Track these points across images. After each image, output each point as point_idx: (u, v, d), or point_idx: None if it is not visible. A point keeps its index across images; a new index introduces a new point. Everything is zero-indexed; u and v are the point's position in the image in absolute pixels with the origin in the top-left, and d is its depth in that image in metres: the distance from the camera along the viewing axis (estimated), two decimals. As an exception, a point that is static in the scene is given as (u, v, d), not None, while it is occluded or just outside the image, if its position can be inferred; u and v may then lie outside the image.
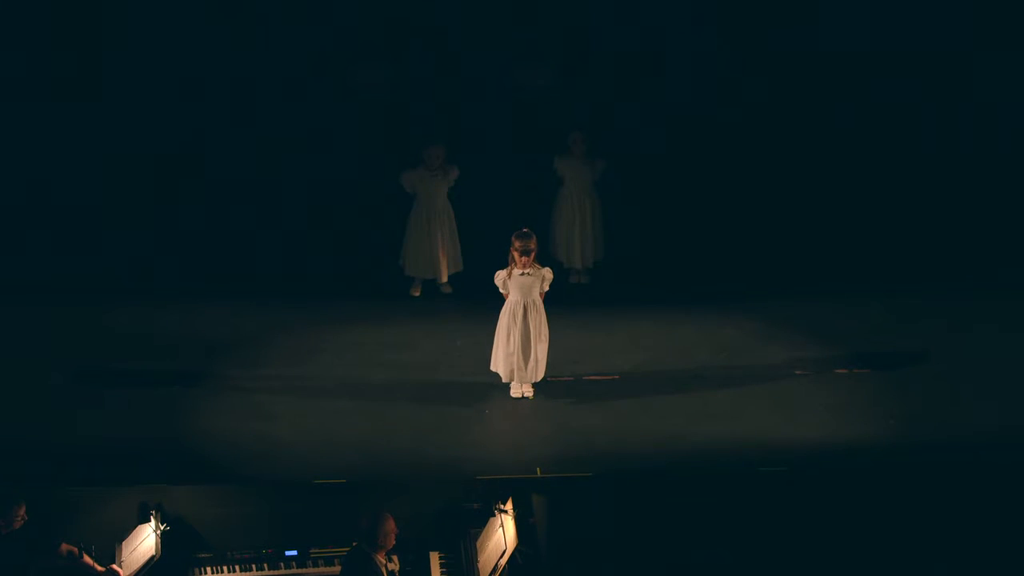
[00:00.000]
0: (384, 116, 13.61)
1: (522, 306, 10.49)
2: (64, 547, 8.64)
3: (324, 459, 9.73)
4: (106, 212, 13.19)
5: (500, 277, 10.54)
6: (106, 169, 13.30)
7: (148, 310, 12.05)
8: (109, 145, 13.29)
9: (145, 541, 9.04)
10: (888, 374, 11.05)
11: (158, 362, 11.05)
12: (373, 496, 9.17)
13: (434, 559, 9.27)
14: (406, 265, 12.53)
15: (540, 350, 10.53)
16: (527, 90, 13.66)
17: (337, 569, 9.03)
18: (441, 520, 9.34)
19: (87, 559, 8.72)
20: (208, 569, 9.18)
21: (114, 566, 8.85)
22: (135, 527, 9.09)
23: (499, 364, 10.59)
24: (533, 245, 10.43)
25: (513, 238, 10.43)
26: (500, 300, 10.62)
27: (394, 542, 8.58)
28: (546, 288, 10.56)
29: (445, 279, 12.49)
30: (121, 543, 9.01)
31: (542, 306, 10.55)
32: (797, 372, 11.08)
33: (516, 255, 10.43)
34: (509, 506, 9.25)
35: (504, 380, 10.60)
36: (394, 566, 8.66)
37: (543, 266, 10.59)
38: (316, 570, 9.28)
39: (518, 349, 10.48)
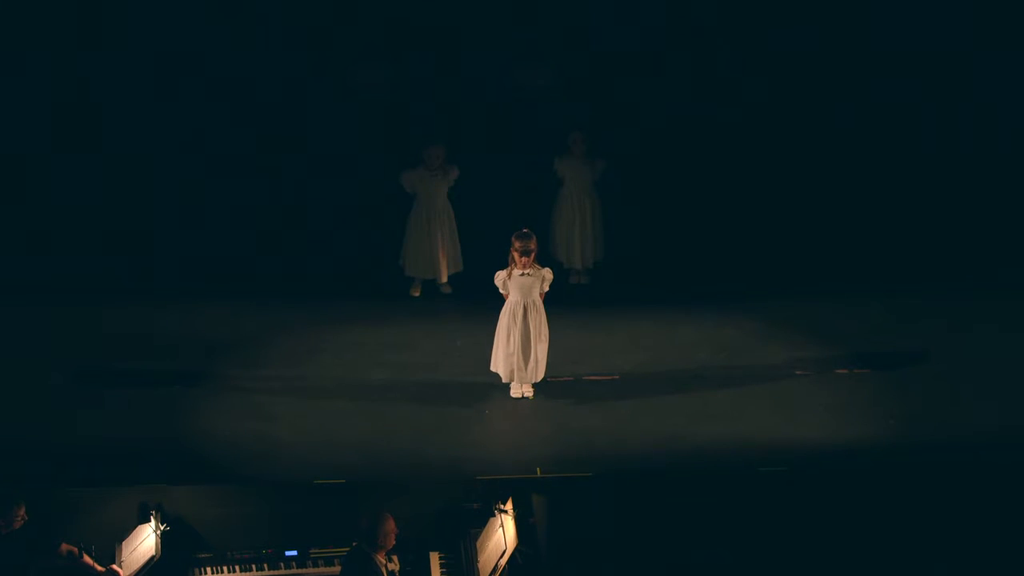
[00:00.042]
0: (384, 116, 13.60)
1: (522, 306, 10.49)
2: (64, 547, 8.64)
3: (324, 459, 9.74)
4: (106, 212, 13.18)
5: (500, 277, 10.54)
6: (106, 169, 13.28)
7: (148, 310, 12.05)
8: (109, 145, 13.28)
9: (145, 541, 9.04)
10: (888, 374, 11.05)
11: (158, 362, 11.05)
12: (373, 496, 9.17)
13: (434, 559, 9.27)
14: (406, 265, 12.53)
15: (540, 350, 10.53)
16: (527, 90, 13.66)
17: (337, 569, 9.03)
18: (441, 520, 9.34)
19: (87, 559, 8.72)
20: (208, 569, 9.18)
21: (114, 566, 8.85)
22: (135, 527, 9.09)
23: (499, 364, 10.59)
24: (533, 245, 10.43)
25: (513, 238, 10.43)
26: (500, 300, 10.62)
27: (394, 542, 8.58)
28: (546, 288, 10.56)
29: (445, 279, 12.49)
30: (121, 543, 9.01)
31: (542, 306, 10.55)
32: (797, 372, 11.08)
33: (516, 255, 10.43)
34: (509, 506, 9.25)
35: (504, 380, 10.60)
36: (394, 566, 8.66)
37: (543, 266, 10.59)
38: (316, 570, 9.28)
39: (518, 349, 10.48)
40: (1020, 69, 13.53)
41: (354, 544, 8.64)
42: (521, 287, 10.48)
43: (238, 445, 9.91)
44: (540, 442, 10.12)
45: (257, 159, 13.40)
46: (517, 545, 9.17)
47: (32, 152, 13.21)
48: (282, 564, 9.30)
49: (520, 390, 10.61)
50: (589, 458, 9.81)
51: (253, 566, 9.25)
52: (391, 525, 8.53)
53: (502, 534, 9.15)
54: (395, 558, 8.72)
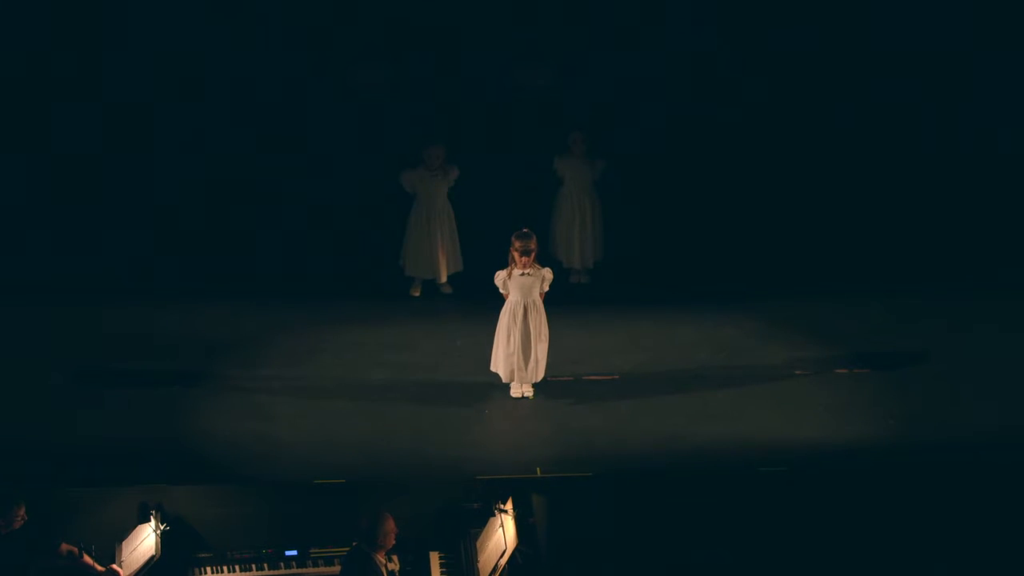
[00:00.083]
0: (384, 116, 13.60)
1: (522, 306, 10.49)
2: (64, 547, 8.64)
3: (324, 459, 9.73)
4: (106, 212, 13.18)
5: (500, 277, 10.54)
6: (106, 169, 13.28)
7: (148, 310, 12.05)
8: (109, 145, 13.28)
9: (145, 541, 9.04)
10: (888, 374, 11.05)
11: (158, 362, 11.05)
12: (373, 496, 9.17)
13: (434, 559, 9.27)
14: (406, 265, 12.53)
15: (540, 350, 10.53)
16: (527, 90, 13.66)
17: (337, 569, 9.03)
18: (441, 520, 9.34)
19: (87, 559, 8.72)
20: (208, 569, 9.18)
21: (114, 566, 8.85)
22: (135, 527, 9.09)
23: (499, 364, 10.58)
24: (533, 245, 10.43)
25: (513, 238, 10.43)
26: (500, 300, 10.62)
27: (394, 542, 8.58)
28: (546, 288, 10.56)
29: (444, 279, 12.49)
30: (121, 543, 9.01)
31: (542, 306, 10.55)
32: (797, 372, 11.08)
33: (516, 255, 10.42)
34: (509, 506, 9.25)
35: (504, 380, 10.60)
36: (394, 566, 8.65)
37: (543, 266, 10.59)
38: (316, 570, 9.28)
39: (518, 349, 10.48)
40: (1020, 69, 13.54)
41: (354, 544, 8.64)
42: (521, 287, 10.48)
43: (238, 445, 9.91)
44: (540, 442, 10.11)
45: (257, 159, 13.39)
46: (517, 545, 9.17)
47: (33, 152, 13.20)
48: (282, 564, 9.30)
49: (520, 390, 10.61)
50: (589, 458, 9.81)
51: (253, 566, 9.24)
52: (391, 525, 8.53)
53: (502, 534, 9.14)
54: (395, 558, 8.72)
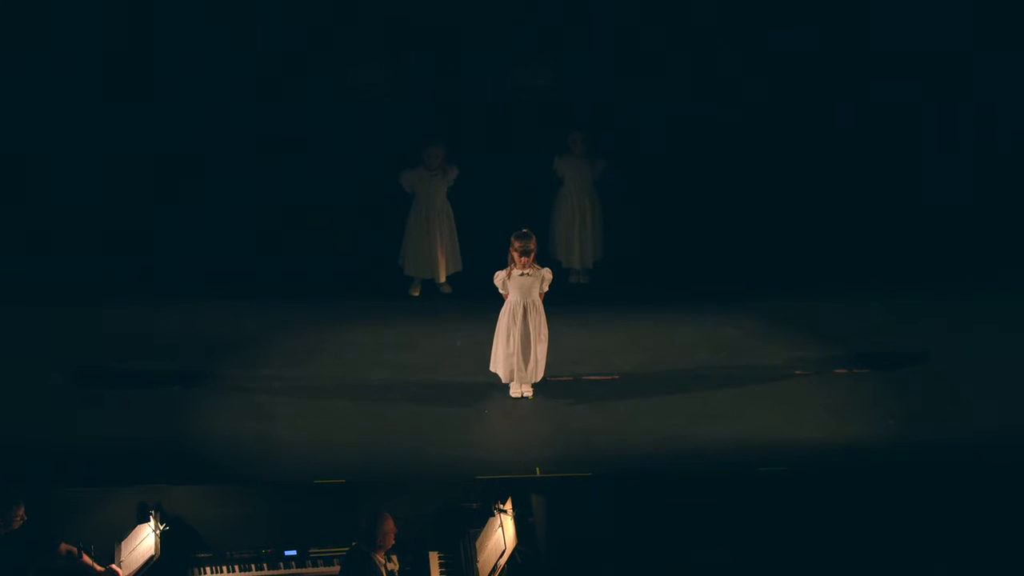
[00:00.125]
0: (384, 116, 13.60)
1: (522, 306, 10.49)
2: (63, 547, 8.63)
3: (324, 459, 9.73)
4: (106, 212, 13.18)
5: (499, 277, 10.53)
6: (106, 169, 13.29)
7: (148, 310, 12.05)
8: (109, 145, 13.28)
9: (144, 541, 9.04)
10: (888, 374, 11.05)
11: (158, 362, 11.05)
12: (373, 496, 9.17)
13: (433, 559, 9.26)
14: (405, 265, 12.53)
15: (540, 350, 10.52)
16: (527, 90, 13.66)
17: (336, 569, 9.03)
18: (440, 520, 9.34)
19: (86, 559, 8.71)
20: (207, 569, 9.18)
21: (113, 566, 8.85)
22: (134, 527, 9.09)
23: (498, 365, 10.58)
24: (533, 245, 10.43)
25: (512, 238, 10.42)
26: (500, 300, 10.62)
27: (393, 542, 8.58)
28: (546, 288, 10.56)
29: (443, 279, 12.49)
30: (120, 543, 9.01)
31: (542, 306, 10.55)
32: (797, 372, 11.08)
33: (515, 255, 10.42)
34: (508, 506, 9.25)
35: (504, 380, 10.60)
36: (393, 566, 8.65)
37: (543, 266, 10.59)
38: (315, 570, 9.28)
39: (518, 350, 10.48)
40: (1020, 69, 13.53)
41: (353, 544, 8.64)
42: (521, 287, 10.48)
43: (238, 445, 9.91)
44: (540, 442, 10.11)
45: (257, 159, 13.39)
46: (516, 545, 9.17)
47: (32, 152, 13.20)
48: (281, 564, 9.30)
49: (520, 390, 10.61)
50: (589, 458, 9.81)
51: (252, 566, 9.24)
52: (390, 525, 8.53)
53: (501, 534, 9.14)
54: (394, 558, 8.72)
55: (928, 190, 13.62)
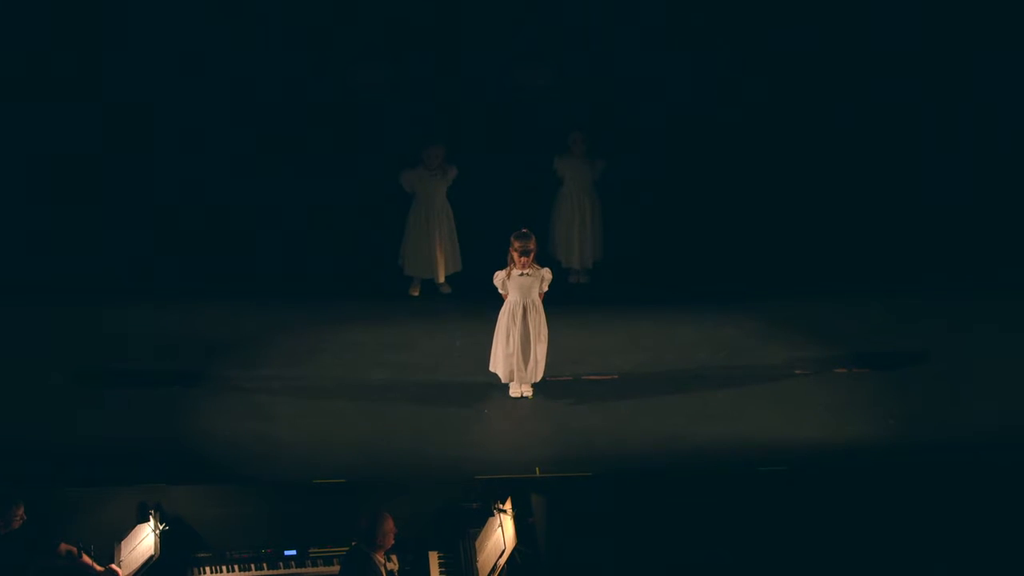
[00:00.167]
0: (384, 116, 13.60)
1: (521, 306, 10.49)
2: (63, 547, 8.64)
3: (324, 459, 9.74)
4: (106, 212, 13.18)
5: (499, 277, 10.53)
6: (106, 169, 13.29)
7: (148, 310, 12.05)
8: (109, 145, 13.28)
9: (144, 541, 9.04)
10: (888, 374, 11.05)
11: (158, 362, 11.05)
12: (372, 496, 9.17)
13: (433, 559, 9.26)
14: (405, 265, 12.53)
15: (539, 350, 10.52)
16: (527, 90, 13.66)
17: (336, 569, 9.03)
18: (440, 520, 9.34)
19: (86, 559, 8.72)
20: (207, 569, 9.18)
21: (113, 566, 8.85)
22: (134, 527, 9.09)
23: (498, 365, 10.58)
24: (532, 245, 10.42)
25: (512, 238, 10.42)
26: (499, 300, 10.61)
27: (393, 542, 8.58)
28: (545, 288, 10.56)
29: (443, 279, 12.49)
30: (120, 543, 9.01)
31: (541, 306, 10.54)
32: (797, 372, 11.08)
33: (515, 255, 10.42)
34: (508, 506, 9.25)
35: (503, 380, 10.60)
36: (393, 566, 8.65)
37: (542, 266, 10.58)
38: (315, 570, 9.28)
39: (517, 350, 10.48)
40: (1020, 69, 13.53)
41: (353, 544, 8.64)
42: (520, 287, 10.48)
43: (238, 445, 9.91)
44: (539, 442, 10.11)
45: (257, 159, 13.39)
46: (516, 545, 9.17)
47: (33, 152, 13.21)
48: (281, 564, 9.29)
49: (519, 390, 10.60)
50: (589, 458, 9.81)
51: (252, 566, 9.24)
52: (390, 524, 8.53)
53: (501, 534, 9.14)
54: (394, 557, 8.71)
55: (928, 190, 13.62)
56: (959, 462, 9.72)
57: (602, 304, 12.41)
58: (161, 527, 9.04)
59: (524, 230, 10.48)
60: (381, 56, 13.54)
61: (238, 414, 10.32)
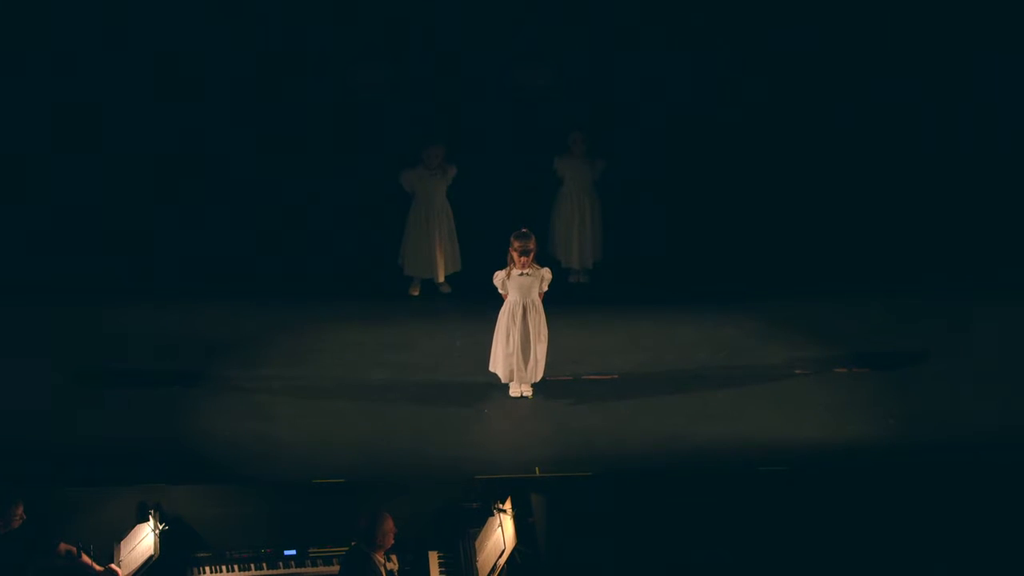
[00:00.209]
0: (384, 116, 13.60)
1: (521, 306, 10.48)
2: (63, 546, 8.63)
3: (324, 459, 9.73)
4: (106, 212, 13.18)
5: (499, 277, 10.53)
6: (106, 169, 13.29)
7: (148, 310, 12.05)
8: (109, 145, 13.28)
9: (144, 541, 9.03)
10: (888, 374, 11.05)
11: (158, 362, 11.05)
12: (372, 496, 9.17)
13: (433, 558, 9.26)
14: (405, 264, 12.53)
15: (539, 350, 10.52)
16: (527, 90, 13.67)
17: (336, 569, 9.03)
18: (440, 519, 9.33)
19: (85, 558, 8.71)
20: (207, 568, 9.17)
21: (112, 565, 8.84)
22: (134, 527, 9.08)
23: (498, 365, 10.58)
24: (532, 245, 10.42)
25: (512, 238, 10.42)
26: (499, 300, 10.61)
27: (393, 541, 8.57)
28: (545, 288, 10.56)
29: (442, 279, 12.49)
30: (119, 543, 9.00)
31: (541, 306, 10.54)
32: (797, 372, 11.08)
33: (515, 255, 10.42)
34: (508, 505, 9.24)
35: (503, 380, 10.60)
36: (393, 565, 8.64)
37: (542, 266, 10.58)
38: (315, 569, 9.27)
39: (517, 349, 10.48)
40: (1020, 69, 13.53)
41: (353, 543, 8.63)
42: (520, 287, 10.48)
43: (238, 445, 9.90)
44: (539, 442, 10.11)
45: (257, 159, 13.40)
46: (516, 545, 9.16)
47: (32, 152, 13.20)
48: (281, 564, 9.29)
49: (519, 390, 10.60)
50: (589, 458, 9.80)
51: (252, 565, 9.23)
52: (390, 524, 8.52)
53: (501, 534, 9.14)
54: (394, 557, 8.71)
55: (928, 190, 13.61)
56: (959, 462, 9.71)
57: (602, 304, 12.41)
58: (161, 527, 9.03)
59: (524, 230, 10.48)
60: (381, 56, 13.54)
61: (238, 414, 10.32)
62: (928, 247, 13.28)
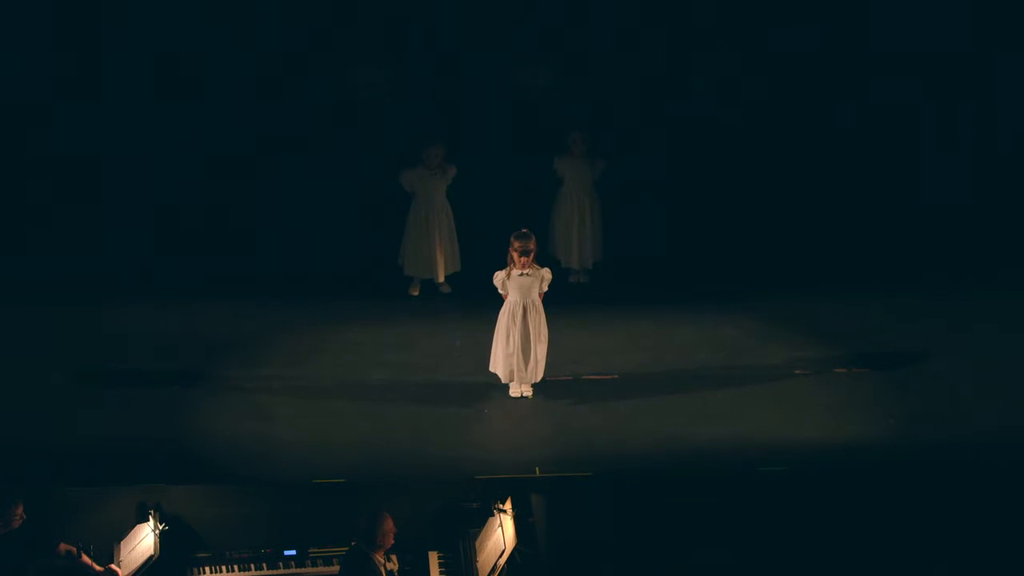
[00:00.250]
0: (384, 116, 13.60)
1: (521, 306, 10.48)
2: (63, 546, 8.63)
3: (324, 459, 9.73)
4: (106, 212, 13.18)
5: (499, 277, 10.53)
6: (106, 169, 13.29)
7: (148, 310, 12.05)
8: (109, 145, 13.28)
9: (143, 541, 9.03)
10: (888, 374, 11.05)
11: (158, 362, 11.05)
12: (372, 496, 9.17)
13: (433, 559, 9.26)
14: (405, 264, 12.53)
15: (540, 351, 10.52)
16: (527, 90, 13.67)
17: (336, 569, 9.03)
18: (440, 519, 9.33)
19: (85, 558, 8.71)
20: (207, 568, 9.17)
21: (112, 566, 8.84)
22: (134, 527, 9.08)
23: (498, 365, 10.58)
24: (532, 245, 10.42)
25: (512, 238, 10.42)
26: (499, 300, 10.61)
27: (392, 541, 8.57)
28: (545, 288, 10.56)
29: (442, 279, 12.49)
30: (119, 543, 9.01)
31: (541, 306, 10.54)
32: (797, 372, 11.08)
33: (515, 255, 10.42)
34: (508, 506, 9.24)
35: (503, 380, 10.59)
36: (393, 566, 8.65)
37: (542, 266, 10.58)
38: (315, 570, 9.27)
39: (518, 350, 10.47)
40: (1020, 69, 13.53)
41: (353, 543, 8.64)
42: (520, 287, 10.48)
43: (238, 445, 9.90)
44: (539, 442, 10.11)
45: (257, 159, 13.39)
46: (516, 545, 9.16)
47: (31, 151, 13.21)
48: (281, 564, 9.29)
49: (519, 390, 10.60)
50: (589, 458, 9.80)
51: (252, 565, 9.23)
52: (390, 524, 8.53)
53: (501, 534, 9.14)
54: (394, 557, 8.71)
55: (928, 190, 13.62)
56: (959, 462, 9.71)
57: (602, 304, 12.41)
58: (161, 527, 9.03)
59: (524, 230, 10.48)
60: (381, 56, 13.54)
61: (238, 414, 10.32)
62: (928, 247, 13.28)
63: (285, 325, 11.82)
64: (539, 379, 10.60)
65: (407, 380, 10.87)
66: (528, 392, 10.62)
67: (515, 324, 10.46)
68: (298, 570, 9.28)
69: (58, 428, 10.05)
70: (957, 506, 9.43)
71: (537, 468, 9.61)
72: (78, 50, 13.15)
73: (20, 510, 8.52)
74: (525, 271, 10.45)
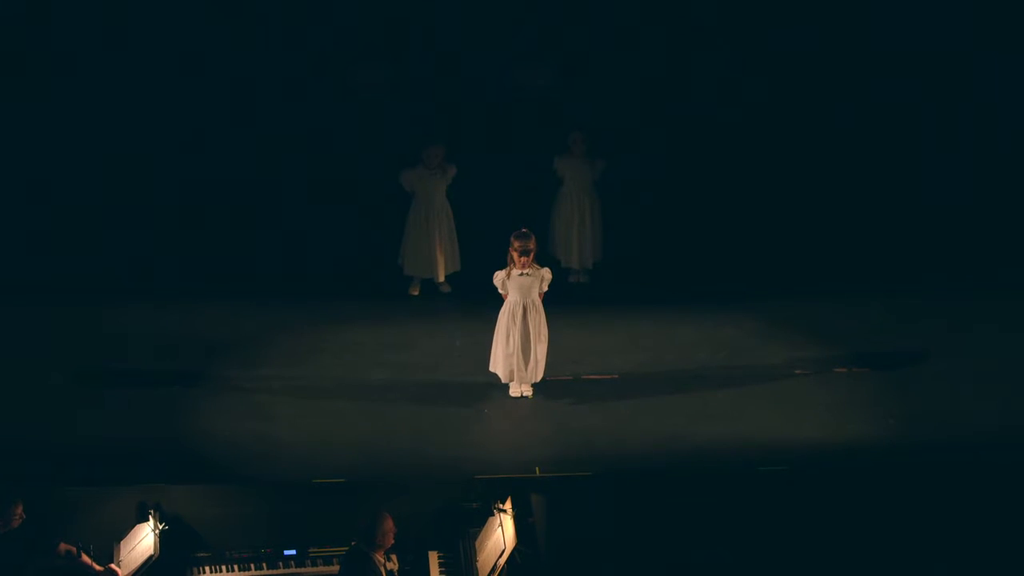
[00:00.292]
0: (384, 116, 13.60)
1: (521, 306, 10.48)
2: (62, 546, 8.64)
3: (324, 459, 9.73)
4: (106, 212, 13.18)
5: (499, 277, 10.53)
6: (106, 169, 13.29)
7: (148, 310, 12.05)
8: (109, 145, 13.28)
9: (143, 540, 9.03)
10: (888, 374, 11.04)
11: (158, 362, 11.05)
12: (372, 496, 9.17)
13: (433, 558, 9.26)
14: (405, 264, 12.53)
15: (540, 350, 10.52)
16: (527, 90, 13.67)
17: (336, 568, 9.03)
18: (440, 519, 9.34)
19: (85, 558, 8.71)
20: (206, 568, 9.17)
21: (112, 565, 8.85)
22: (133, 526, 9.08)
23: (498, 365, 10.58)
24: (532, 245, 10.42)
25: (512, 238, 10.42)
26: (499, 300, 10.61)
27: (392, 541, 8.58)
28: (545, 288, 10.56)
29: (442, 278, 12.49)
30: (119, 542, 9.01)
31: (541, 306, 10.54)
32: (797, 372, 11.08)
33: (515, 255, 10.42)
34: (508, 505, 9.24)
35: (503, 380, 10.59)
36: (393, 565, 8.65)
37: (542, 266, 10.58)
38: (315, 569, 9.27)
39: (518, 350, 10.47)
40: (1020, 69, 13.53)
41: (353, 543, 8.64)
42: (520, 287, 10.48)
43: (238, 445, 9.90)
44: (539, 442, 10.11)
45: (257, 159, 13.39)
46: (516, 544, 9.16)
47: (31, 152, 13.21)
48: (280, 563, 9.29)
49: (519, 390, 10.60)
50: (589, 458, 9.80)
51: (252, 565, 9.23)
52: (390, 524, 8.53)
53: (501, 533, 9.14)
54: (394, 557, 8.72)
55: (928, 190, 13.62)
56: (959, 462, 9.71)
57: (602, 304, 12.41)
58: (160, 527, 9.03)
59: (524, 230, 10.48)
60: (381, 56, 13.54)
61: (238, 414, 10.31)
62: (928, 247, 13.28)
63: (285, 325, 11.82)
64: (539, 379, 10.60)
65: (407, 380, 10.87)
66: (528, 392, 10.62)
67: (515, 324, 10.46)
68: (298, 570, 9.29)
69: (58, 428, 10.05)
70: (957, 506, 9.43)
71: (537, 468, 9.61)
72: (78, 49, 13.14)
73: (20, 510, 8.52)
74: (525, 271, 10.45)
